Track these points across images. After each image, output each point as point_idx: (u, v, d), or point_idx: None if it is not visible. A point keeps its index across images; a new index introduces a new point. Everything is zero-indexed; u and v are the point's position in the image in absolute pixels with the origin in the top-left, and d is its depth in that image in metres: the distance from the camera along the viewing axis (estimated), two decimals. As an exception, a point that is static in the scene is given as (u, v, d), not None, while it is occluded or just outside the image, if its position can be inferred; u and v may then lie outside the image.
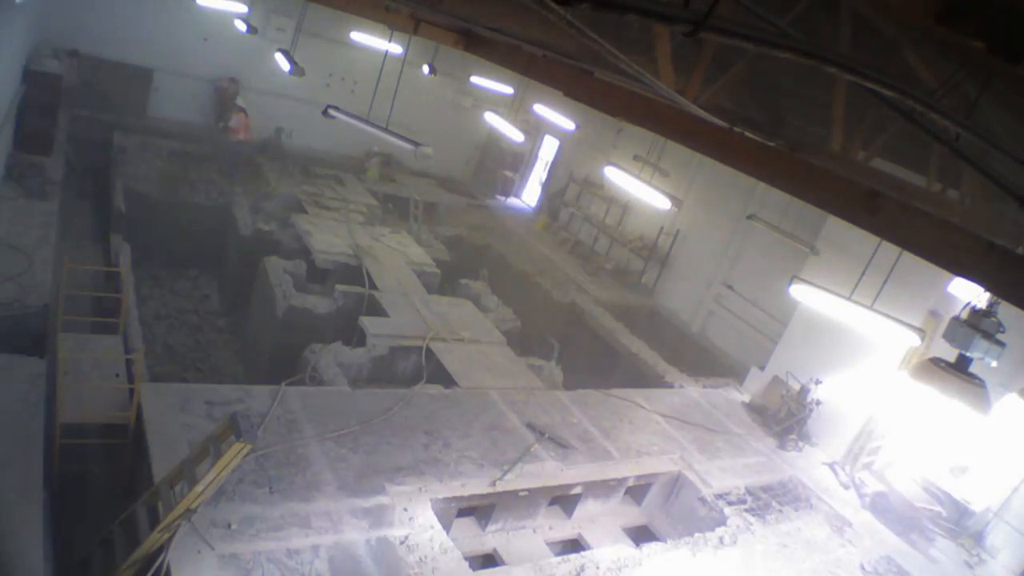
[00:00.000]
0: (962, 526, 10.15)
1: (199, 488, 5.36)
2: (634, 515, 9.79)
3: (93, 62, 15.13)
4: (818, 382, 11.29)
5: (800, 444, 11.23)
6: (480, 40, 8.52)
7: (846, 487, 10.69)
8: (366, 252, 13.56)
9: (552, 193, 20.32)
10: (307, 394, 8.53)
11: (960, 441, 10.31)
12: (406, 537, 6.83)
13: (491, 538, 8.50)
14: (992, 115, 4.01)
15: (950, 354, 5.07)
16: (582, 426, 9.83)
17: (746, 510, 9.27)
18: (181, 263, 14.73)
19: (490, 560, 8.26)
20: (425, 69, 16.86)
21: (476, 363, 10.91)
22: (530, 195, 21.86)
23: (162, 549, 5.60)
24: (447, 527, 7.56)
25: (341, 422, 8.10)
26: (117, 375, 7.75)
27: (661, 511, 9.85)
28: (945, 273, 3.60)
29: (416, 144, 9.30)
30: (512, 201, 21.58)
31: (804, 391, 11.40)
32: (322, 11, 13.15)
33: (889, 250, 7.31)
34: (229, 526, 6.16)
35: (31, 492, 5.85)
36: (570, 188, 19.80)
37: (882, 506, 10.37)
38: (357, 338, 11.01)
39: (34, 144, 12.01)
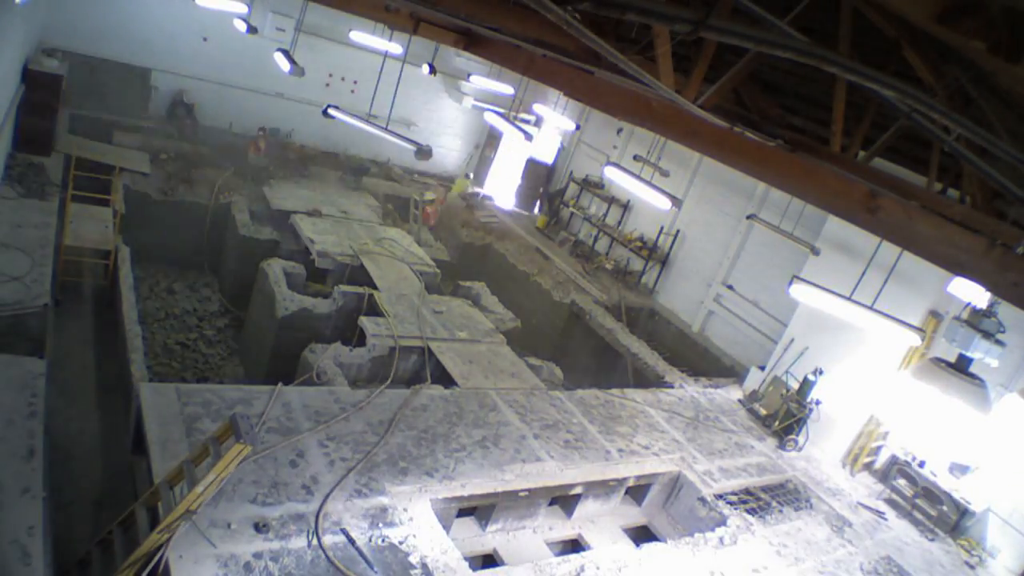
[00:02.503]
0: (962, 526, 10.15)
1: (199, 489, 5.36)
2: (634, 515, 9.79)
3: (91, 61, 15.13)
4: (820, 372, 11.29)
5: (800, 443, 11.23)
6: (480, 40, 8.53)
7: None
8: (365, 254, 13.57)
9: (552, 192, 20.33)
10: (307, 394, 8.53)
11: (960, 441, 10.30)
12: (406, 537, 6.83)
13: (491, 538, 8.50)
14: (992, 115, 4.01)
15: (950, 354, 5.07)
16: (582, 426, 9.83)
17: (746, 510, 9.27)
18: (181, 263, 14.74)
19: (490, 560, 8.26)
20: (425, 69, 16.85)
21: (476, 363, 10.92)
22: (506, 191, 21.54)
23: (160, 549, 5.60)
24: (447, 527, 7.56)
25: (341, 422, 8.10)
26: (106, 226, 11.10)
27: (661, 511, 9.84)
28: (945, 273, 3.60)
29: (416, 144, 9.31)
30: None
31: (806, 384, 11.38)
32: (322, 11, 13.16)
33: (889, 250, 7.31)
34: (229, 526, 6.16)
35: (31, 492, 5.85)
36: (570, 188, 19.80)
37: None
38: (357, 338, 11.01)
39: (34, 144, 12.01)
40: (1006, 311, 4.69)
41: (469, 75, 18.65)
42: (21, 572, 5.18)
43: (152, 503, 5.93)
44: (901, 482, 10.81)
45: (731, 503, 9.35)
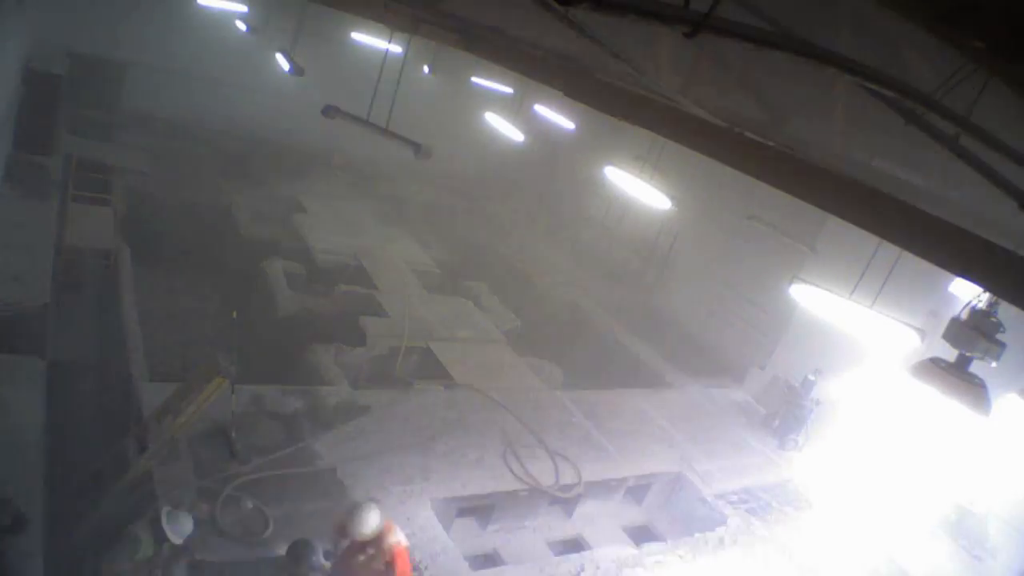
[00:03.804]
0: (963, 526, 10.15)
1: (182, 419, 5.81)
2: (634, 515, 9.78)
3: (90, 61, 15.13)
4: (820, 372, 11.30)
5: (800, 443, 11.23)
6: (480, 40, 8.51)
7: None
8: (365, 254, 13.57)
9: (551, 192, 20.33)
10: (308, 394, 8.52)
11: (960, 441, 10.30)
12: (406, 537, 6.82)
13: (491, 538, 8.49)
14: (992, 115, 4.01)
15: (950, 354, 5.05)
16: (582, 426, 9.83)
17: (746, 510, 9.26)
18: (181, 263, 14.73)
19: (490, 560, 8.26)
20: (425, 69, 16.86)
21: (476, 363, 10.91)
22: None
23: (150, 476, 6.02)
24: (447, 527, 7.56)
25: (341, 423, 8.10)
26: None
27: (661, 511, 9.84)
28: (945, 273, 3.59)
29: (416, 145, 9.30)
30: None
31: (805, 384, 11.40)
32: (322, 11, 13.12)
33: (889, 250, 7.30)
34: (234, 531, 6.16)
35: (32, 492, 5.85)
36: (570, 188, 19.80)
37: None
38: (357, 338, 11.00)
39: (34, 144, 12.01)
40: (1006, 311, 4.68)
41: (469, 76, 18.62)
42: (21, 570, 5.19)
43: (141, 435, 6.36)
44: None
45: (731, 503, 9.35)
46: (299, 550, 5.53)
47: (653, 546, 8.15)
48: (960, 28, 2.56)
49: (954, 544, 10.07)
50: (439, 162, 15.72)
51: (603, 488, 9.22)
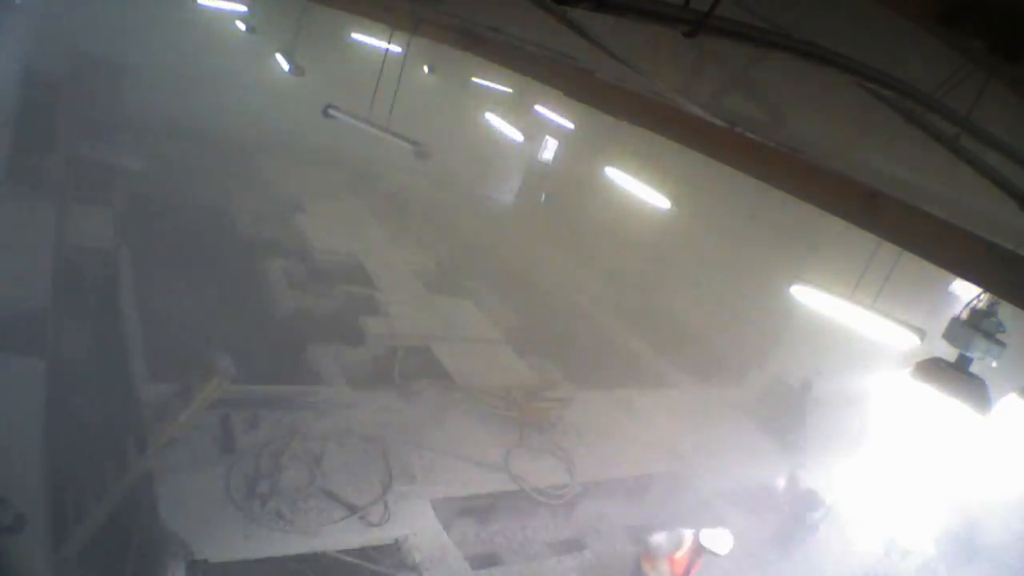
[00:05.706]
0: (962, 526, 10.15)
1: (182, 419, 6.11)
2: (634, 515, 9.78)
3: (90, 61, 15.13)
4: (818, 372, 11.30)
5: (800, 443, 11.23)
6: (480, 40, 8.51)
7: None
8: (365, 254, 13.57)
9: (552, 193, 20.35)
10: (307, 395, 8.52)
11: (959, 441, 10.30)
12: (406, 537, 6.82)
13: (491, 538, 8.50)
14: (992, 115, 4.01)
15: (950, 354, 5.05)
16: (582, 425, 9.82)
17: (748, 510, 9.27)
18: (181, 263, 14.73)
19: (490, 560, 8.26)
20: (425, 69, 16.85)
21: (476, 363, 10.90)
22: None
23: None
24: (447, 527, 7.56)
25: (341, 423, 8.10)
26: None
27: (661, 510, 9.84)
28: (945, 273, 3.59)
29: (416, 144, 9.29)
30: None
31: (805, 384, 11.40)
32: (322, 11, 13.12)
33: (889, 250, 7.29)
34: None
35: (32, 492, 5.85)
36: (570, 188, 19.79)
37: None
38: (357, 338, 10.99)
39: (34, 144, 11.99)
40: (1006, 311, 4.68)
41: (469, 76, 18.63)
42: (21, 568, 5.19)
43: (142, 435, 6.49)
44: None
45: (733, 503, 9.35)
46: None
47: (654, 544, 8.13)
48: (960, 28, 2.56)
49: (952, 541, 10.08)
50: (439, 161, 15.76)
51: (603, 488, 9.22)
